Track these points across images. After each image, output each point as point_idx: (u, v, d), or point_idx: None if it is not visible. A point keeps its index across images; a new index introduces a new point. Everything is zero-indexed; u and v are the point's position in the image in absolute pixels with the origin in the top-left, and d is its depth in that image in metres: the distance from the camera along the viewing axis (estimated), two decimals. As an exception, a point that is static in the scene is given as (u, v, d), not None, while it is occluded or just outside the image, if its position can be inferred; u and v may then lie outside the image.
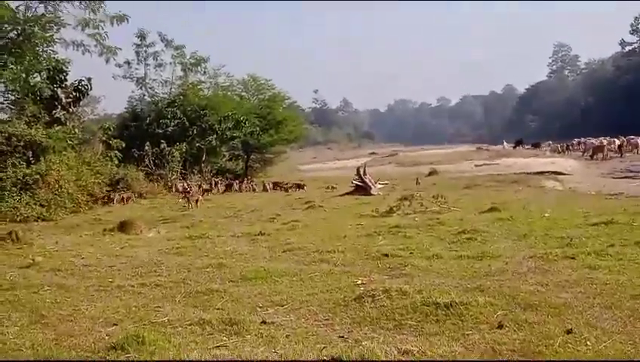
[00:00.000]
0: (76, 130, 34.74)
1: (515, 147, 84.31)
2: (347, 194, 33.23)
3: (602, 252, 11.71)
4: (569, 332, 7.27)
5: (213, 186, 42.57)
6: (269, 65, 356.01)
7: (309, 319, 8.44)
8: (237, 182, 44.98)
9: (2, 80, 28.60)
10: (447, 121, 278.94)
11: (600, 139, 73.10)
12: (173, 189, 39.39)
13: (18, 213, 25.19)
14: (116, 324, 8.52)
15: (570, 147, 74.08)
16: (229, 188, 42.71)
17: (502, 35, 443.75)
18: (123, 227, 19.57)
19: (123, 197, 33.85)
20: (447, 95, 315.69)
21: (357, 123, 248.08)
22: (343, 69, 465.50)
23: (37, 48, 30.00)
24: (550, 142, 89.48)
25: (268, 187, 41.78)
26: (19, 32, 28.57)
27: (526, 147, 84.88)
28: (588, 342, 6.96)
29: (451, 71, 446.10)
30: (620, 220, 15.59)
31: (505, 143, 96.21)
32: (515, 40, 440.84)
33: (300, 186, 40.90)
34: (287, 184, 42.33)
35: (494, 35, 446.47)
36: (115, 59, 35.44)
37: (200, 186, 40.54)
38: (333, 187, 39.75)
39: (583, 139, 77.63)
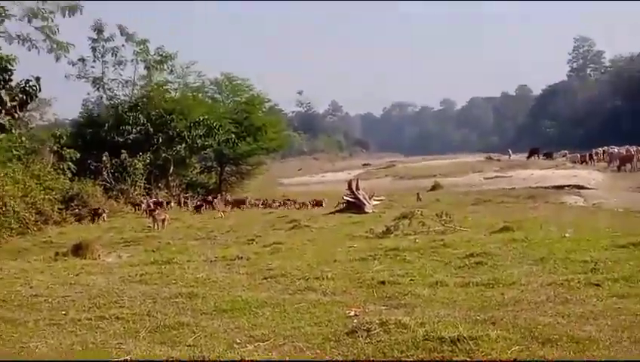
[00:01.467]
0: (23, 139, 34.64)
1: (528, 157, 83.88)
2: (337, 211, 33.30)
3: (632, 278, 11.71)
4: (594, 371, 7.29)
5: (220, 199, 42.59)
6: (247, 64, 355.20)
7: (294, 357, 8.44)
8: (212, 197, 44.82)
9: None
10: (452, 128, 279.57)
11: (627, 147, 73.30)
12: (144, 206, 38.97)
13: (-45, 236, 25.07)
14: (71, 364, 8.49)
15: (595, 157, 73.94)
16: (239, 204, 42.46)
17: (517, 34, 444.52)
18: (78, 251, 19.50)
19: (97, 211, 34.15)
20: (453, 97, 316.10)
21: (348, 129, 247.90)
22: (334, 68, 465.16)
23: (-24, 42, 29.90)
24: (566, 152, 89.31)
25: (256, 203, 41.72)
26: (-45, 23, 28.51)
27: (540, 157, 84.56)
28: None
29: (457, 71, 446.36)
30: (652, 241, 15.64)
31: (510, 153, 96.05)
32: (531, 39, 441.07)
33: (318, 203, 40.32)
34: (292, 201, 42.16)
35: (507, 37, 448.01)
36: (66, 57, 35.40)
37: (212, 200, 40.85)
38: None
39: (608, 148, 77.60)
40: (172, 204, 42.12)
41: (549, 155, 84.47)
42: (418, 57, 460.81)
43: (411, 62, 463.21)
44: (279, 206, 41.43)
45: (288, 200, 42.82)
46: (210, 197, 44.53)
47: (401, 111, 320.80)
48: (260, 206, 42.14)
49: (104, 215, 34.00)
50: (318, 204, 39.73)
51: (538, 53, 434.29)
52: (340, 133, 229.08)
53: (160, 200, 41.24)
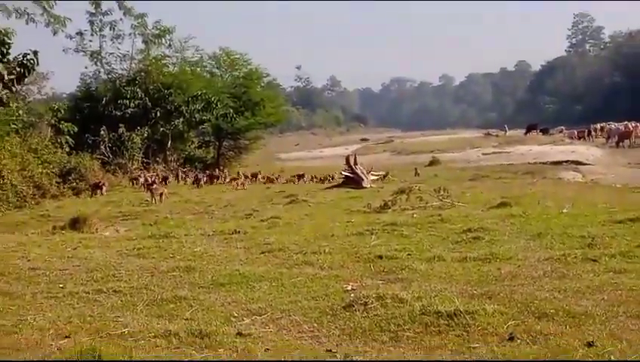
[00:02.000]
0: (20, 112, 34.45)
1: (526, 133, 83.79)
2: (335, 186, 33.33)
3: (629, 253, 11.75)
4: (590, 345, 7.29)
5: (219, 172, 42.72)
6: (244, 37, 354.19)
7: (291, 330, 8.45)
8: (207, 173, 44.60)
9: None
10: (450, 103, 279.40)
11: (625, 123, 73.32)
12: (141, 180, 38.68)
13: (-48, 209, 25.02)
14: (69, 336, 8.47)
15: (593, 133, 73.87)
16: (253, 177, 42.11)
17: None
18: (76, 224, 19.44)
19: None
20: (452, 72, 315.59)
21: (346, 104, 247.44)
22: (333, 43, 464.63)
23: (-27, 16, 29.77)
24: (562, 128, 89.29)
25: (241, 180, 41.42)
26: (-48, -3, 28.37)
27: (537, 133, 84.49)
28: (612, 356, 6.98)
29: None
30: (650, 217, 15.65)
31: (507, 129, 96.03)
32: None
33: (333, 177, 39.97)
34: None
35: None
36: (64, 31, 35.17)
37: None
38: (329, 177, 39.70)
39: (606, 124, 77.47)
40: (170, 178, 41.91)
41: (545, 131, 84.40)
42: (417, 34, 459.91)
43: (411, 39, 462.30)
44: (298, 179, 40.86)
45: (302, 174, 42.13)
46: (217, 172, 44.43)
47: (400, 87, 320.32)
48: (276, 181, 41.76)
49: (104, 188, 33.87)
50: (333, 177, 39.45)
51: (538, 28, 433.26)
52: (338, 109, 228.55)
53: (165, 175, 41.25)
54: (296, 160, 74.53)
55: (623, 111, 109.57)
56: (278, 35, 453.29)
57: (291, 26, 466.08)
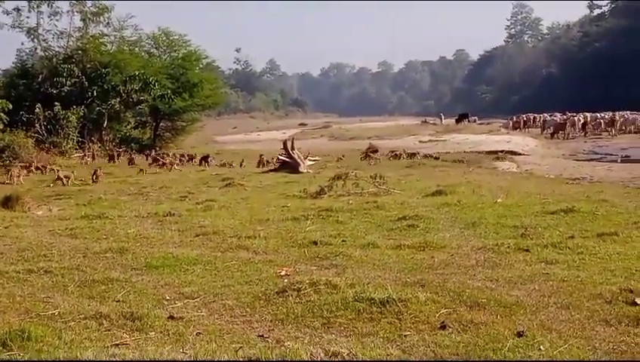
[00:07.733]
0: (-47, 88, 33.93)
1: (457, 122, 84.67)
2: (272, 171, 33.24)
3: (560, 244, 11.88)
4: (520, 334, 7.36)
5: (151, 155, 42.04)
6: (184, 17, 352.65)
7: (223, 315, 8.43)
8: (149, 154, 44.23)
9: None
10: (389, 90, 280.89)
11: (556, 113, 74.42)
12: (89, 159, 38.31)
13: None
14: (-3, 317, 8.40)
15: (527, 123, 74.83)
16: (204, 160, 40.76)
17: None
18: (7, 203, 19.17)
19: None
20: (391, 59, 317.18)
21: (285, 89, 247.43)
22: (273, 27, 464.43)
23: None
24: (475, 118, 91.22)
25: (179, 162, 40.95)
26: None
27: (471, 122, 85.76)
28: (541, 347, 7.05)
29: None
30: (582, 208, 15.82)
31: (442, 117, 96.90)
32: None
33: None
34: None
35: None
36: (1, 6, 34.68)
37: None
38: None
39: (541, 115, 78.44)
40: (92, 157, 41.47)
41: (462, 118, 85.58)
42: (358, 17, 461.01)
43: (351, 23, 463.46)
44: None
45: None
46: (161, 154, 43.90)
47: (339, 72, 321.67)
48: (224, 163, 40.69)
49: (32, 168, 33.21)
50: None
51: (477, 18, 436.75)
52: (277, 92, 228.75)
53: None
54: (232, 143, 74.21)
55: (558, 102, 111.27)
56: (219, 15, 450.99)
57: (232, 6, 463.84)
